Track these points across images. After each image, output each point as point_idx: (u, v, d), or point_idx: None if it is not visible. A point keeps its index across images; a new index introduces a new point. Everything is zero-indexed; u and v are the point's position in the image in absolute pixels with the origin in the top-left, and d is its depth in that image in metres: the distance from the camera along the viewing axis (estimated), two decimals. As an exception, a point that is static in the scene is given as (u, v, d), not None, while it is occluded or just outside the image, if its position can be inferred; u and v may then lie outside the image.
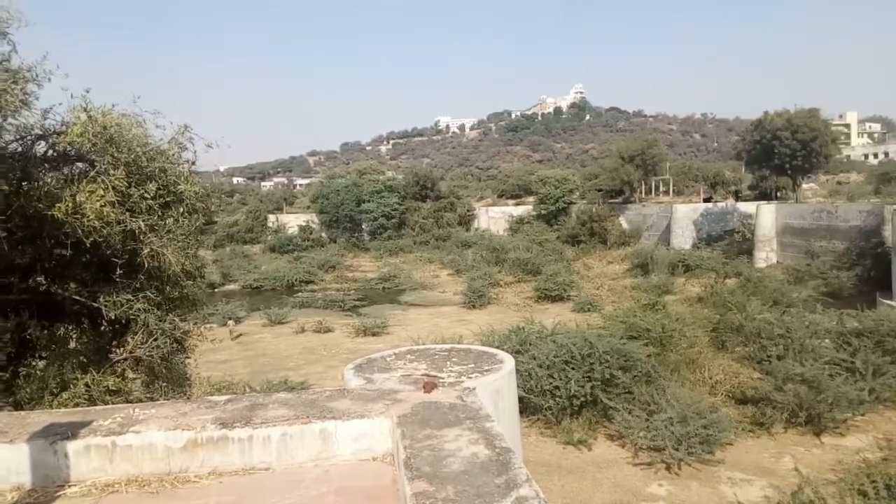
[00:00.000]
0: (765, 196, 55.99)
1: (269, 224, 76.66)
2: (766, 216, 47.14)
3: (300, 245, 69.33)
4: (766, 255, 46.51)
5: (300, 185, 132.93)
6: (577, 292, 39.42)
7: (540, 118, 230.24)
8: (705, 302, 30.86)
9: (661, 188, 67.28)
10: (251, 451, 4.09)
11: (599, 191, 69.16)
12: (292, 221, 75.97)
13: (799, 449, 15.16)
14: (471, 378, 5.06)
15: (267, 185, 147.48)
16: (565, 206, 66.71)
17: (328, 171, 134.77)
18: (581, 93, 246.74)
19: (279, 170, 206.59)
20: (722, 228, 53.64)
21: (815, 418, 15.68)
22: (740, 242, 49.62)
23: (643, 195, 67.10)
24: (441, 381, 4.96)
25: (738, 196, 59.80)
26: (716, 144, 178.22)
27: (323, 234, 73.66)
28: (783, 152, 48.72)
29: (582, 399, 16.38)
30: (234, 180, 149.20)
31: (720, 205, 56.16)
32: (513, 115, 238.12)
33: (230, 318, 35.16)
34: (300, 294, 46.64)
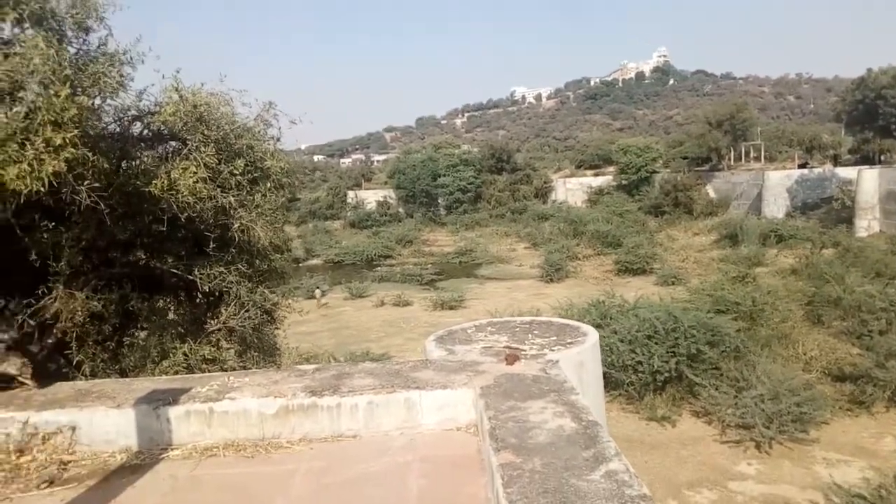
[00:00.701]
0: (867, 160, 52.16)
1: (349, 200, 78.41)
2: (869, 182, 43.92)
3: (378, 220, 70.64)
4: (867, 224, 43.47)
5: (377, 161, 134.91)
6: (661, 265, 38.34)
7: (621, 84, 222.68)
8: (800, 274, 29.37)
9: (752, 154, 63.85)
10: (339, 419, 4.20)
11: (685, 158, 66.40)
12: (370, 197, 77.39)
13: (903, 429, 14.30)
14: (553, 351, 4.98)
15: (346, 161, 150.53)
16: (648, 175, 64.54)
17: (404, 146, 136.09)
18: (665, 56, 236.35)
19: (357, 147, 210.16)
20: (818, 196, 50.47)
21: (922, 397, 14.72)
22: (839, 210, 46.57)
23: (732, 162, 63.93)
24: (523, 353, 4.91)
25: (836, 161, 55.97)
26: (812, 106, 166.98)
27: (400, 210, 74.67)
28: (889, 112, 45.28)
29: (666, 374, 16.02)
30: (315, 158, 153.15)
31: (817, 171, 52.77)
32: (591, 83, 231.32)
33: (317, 288, 36.79)
34: (379, 268, 47.66)
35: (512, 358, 4.68)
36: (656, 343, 16.29)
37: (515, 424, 3.53)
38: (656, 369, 15.94)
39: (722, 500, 11.99)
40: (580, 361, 4.92)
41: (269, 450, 4.07)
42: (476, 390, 4.16)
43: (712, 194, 59.43)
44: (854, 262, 28.73)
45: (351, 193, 79.66)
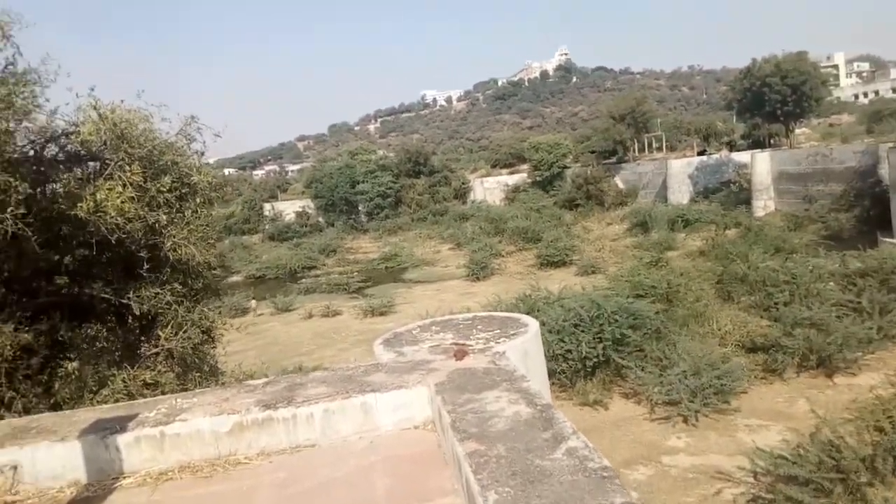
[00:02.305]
0: (758, 144, 55.91)
1: (266, 213, 76.52)
2: (762, 164, 47.13)
3: (298, 231, 69.35)
4: (764, 204, 46.60)
5: (292, 171, 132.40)
6: (579, 256, 39.61)
7: (527, 84, 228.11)
8: (708, 255, 31.07)
9: (655, 145, 67.07)
10: (296, 429, 4.19)
11: (592, 153, 68.97)
12: (288, 208, 75.84)
13: (812, 392, 15.38)
14: (499, 343, 5.14)
15: (259, 173, 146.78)
16: (560, 170, 66.56)
17: (318, 154, 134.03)
18: (566, 54, 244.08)
19: (269, 157, 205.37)
20: (718, 180, 53.65)
21: (826, 360, 15.90)
22: (737, 193, 49.70)
23: (637, 153, 66.93)
24: (470, 348, 5.04)
25: (731, 147, 59.67)
26: (705, 96, 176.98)
27: (320, 219, 73.57)
28: (774, 98, 48.59)
29: (594, 360, 16.55)
30: (226, 171, 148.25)
31: (714, 157, 56.08)
32: (499, 83, 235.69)
33: (252, 299, 37.72)
34: (304, 280, 46.82)
35: (461, 353, 4.80)
36: (583, 331, 16.80)
37: (474, 416, 3.65)
38: (585, 356, 16.44)
39: (657, 475, 12.55)
40: (525, 350, 5.10)
41: (227, 467, 4.01)
42: (431, 388, 4.25)
43: (621, 185, 62.03)
44: (755, 240, 30.72)
45: (267, 206, 77.74)
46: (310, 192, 76.38)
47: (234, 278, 51.84)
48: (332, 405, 4.25)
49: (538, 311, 19.74)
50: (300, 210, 74.59)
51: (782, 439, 12.72)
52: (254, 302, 37.41)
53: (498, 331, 5.56)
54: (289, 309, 35.80)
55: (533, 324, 5.58)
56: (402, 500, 3.50)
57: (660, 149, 65.64)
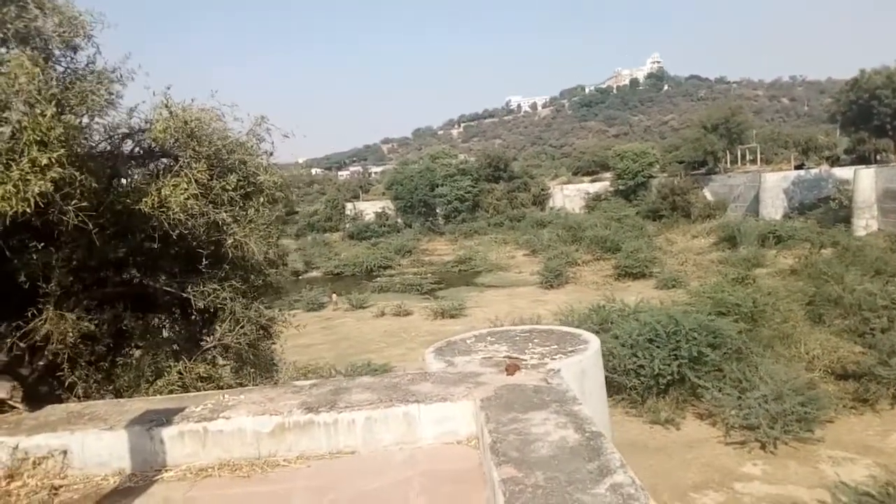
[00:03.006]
0: (863, 160, 52.26)
1: (347, 212, 78.36)
2: (865, 181, 43.95)
3: (377, 231, 70.59)
4: (865, 223, 43.45)
5: (375, 172, 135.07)
6: (660, 268, 38.28)
7: (615, 91, 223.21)
8: (799, 274, 29.32)
9: (748, 157, 63.96)
10: (337, 435, 4.12)
11: (681, 163, 66.52)
12: (368, 209, 77.37)
13: (908, 427, 14.20)
14: (554, 359, 4.90)
15: (343, 174, 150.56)
16: (645, 180, 64.61)
17: (401, 157, 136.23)
18: (658, 62, 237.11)
19: (354, 159, 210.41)
20: (816, 196, 50.50)
21: (927, 394, 14.63)
22: (836, 210, 46.58)
23: (728, 165, 64.00)
24: (524, 363, 4.84)
25: (832, 161, 56.05)
26: (807, 108, 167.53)
27: (398, 220, 74.63)
28: (883, 112, 45.38)
29: (668, 378, 15.93)
30: (313, 171, 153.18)
31: (813, 171, 52.82)
32: (586, 90, 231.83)
33: (333, 292, 39.84)
34: (379, 279, 47.54)
35: (512, 368, 4.60)
36: (658, 346, 16.21)
37: (517, 437, 3.45)
38: (658, 372, 15.85)
39: (728, 502, 11.88)
40: (582, 370, 4.84)
41: (266, 469, 3.99)
42: (476, 402, 4.08)
43: (709, 197, 59.46)
44: (853, 261, 28.67)
45: (349, 205, 79.63)
46: (390, 193, 77.66)
47: (314, 273, 53.38)
48: (375, 413, 4.15)
49: (611, 323, 19.20)
50: (380, 210, 75.95)
51: (869, 475, 11.82)
52: (334, 296, 39.11)
53: (555, 346, 5.32)
54: (363, 306, 36.43)
55: (594, 341, 5.30)
56: (435, 521, 3.34)
57: (754, 161, 62.54)
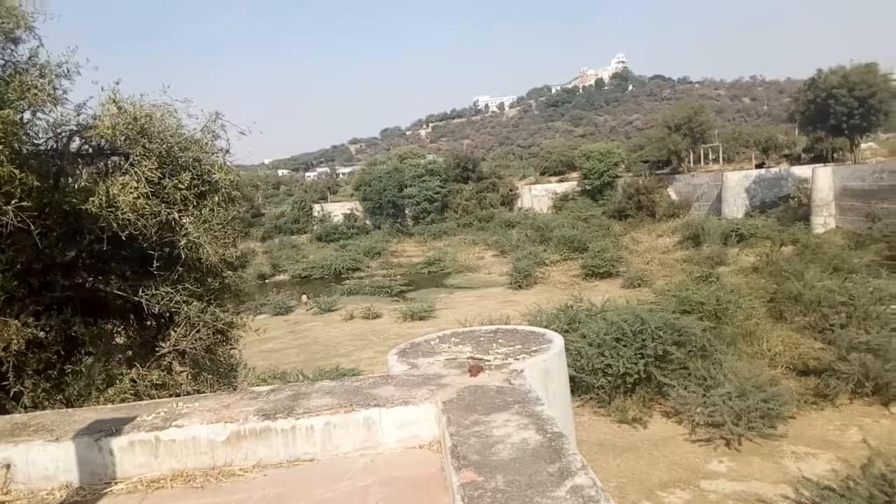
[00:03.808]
0: (820, 159, 53.65)
1: (315, 214, 77.63)
2: (823, 179, 45.14)
3: (345, 233, 70.08)
4: (824, 220, 44.62)
5: (343, 173, 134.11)
6: (626, 268, 38.72)
7: (581, 91, 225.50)
8: (761, 272, 29.86)
9: (711, 156, 65.15)
10: (295, 442, 3.99)
11: (646, 162, 67.47)
12: (337, 210, 76.76)
13: (866, 420, 14.54)
14: (518, 360, 4.84)
15: (311, 175, 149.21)
16: (610, 179, 65.35)
17: (369, 158, 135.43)
18: (623, 62, 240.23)
19: (322, 160, 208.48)
20: (776, 195, 51.68)
21: (883, 387, 15.02)
22: (796, 208, 47.74)
23: (692, 164, 65.14)
24: (487, 363, 4.76)
25: (792, 160, 57.43)
26: (766, 108, 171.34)
27: (367, 222, 74.21)
28: (839, 111, 46.57)
29: (635, 376, 16.04)
30: (279, 172, 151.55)
31: (773, 170, 54.06)
32: (553, 90, 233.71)
33: (304, 293, 40.35)
34: (348, 281, 47.18)
35: (475, 369, 4.52)
36: (624, 345, 16.31)
37: (478, 440, 3.37)
38: (625, 371, 15.95)
39: (695, 500, 11.98)
40: (546, 369, 4.78)
41: (221, 478, 3.83)
42: (438, 405, 3.99)
43: (674, 196, 60.41)
44: (813, 259, 29.34)
45: (317, 207, 78.88)
46: (358, 194, 77.17)
47: (281, 277, 52.71)
48: (334, 419, 4.03)
49: (579, 322, 19.28)
50: (348, 212, 75.43)
51: (831, 469, 12.04)
52: (304, 297, 39.25)
53: (520, 346, 5.26)
54: (331, 309, 36.08)
55: (558, 340, 5.25)
56: (394, 529, 3.24)
57: (716, 160, 63.72)
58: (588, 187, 66.88)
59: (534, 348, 5.14)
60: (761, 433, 13.91)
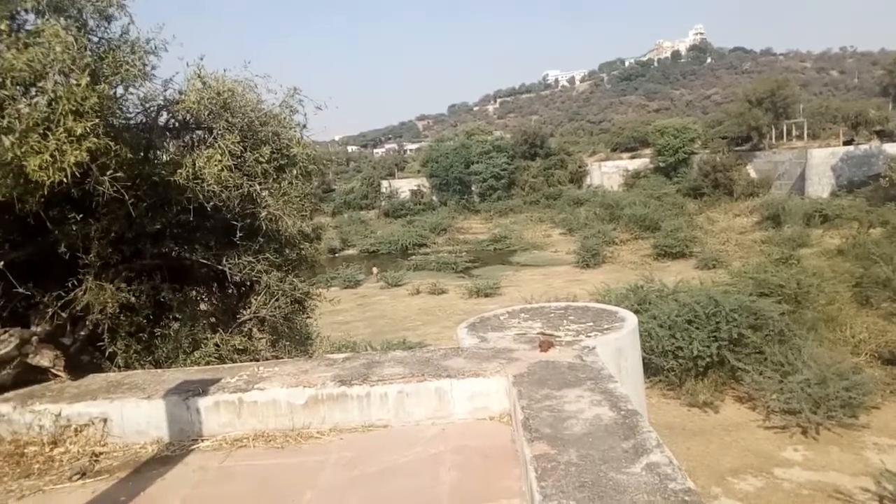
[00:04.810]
0: (917, 135, 50.10)
1: (383, 190, 78.61)
2: (920, 157, 42.17)
3: (412, 209, 70.71)
4: (918, 202, 41.75)
5: (410, 150, 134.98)
6: (701, 248, 37.51)
7: (656, 64, 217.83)
8: (846, 254, 28.37)
9: (794, 132, 61.82)
10: (370, 408, 4.11)
11: (724, 139, 64.67)
12: (404, 186, 77.45)
13: (961, 414, 13.68)
14: (589, 337, 4.80)
15: (379, 151, 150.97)
16: (686, 156, 63.08)
17: (437, 134, 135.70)
18: (701, 33, 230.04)
19: (390, 136, 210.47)
20: (865, 174, 48.66)
21: (982, 381, 14.05)
22: (887, 188, 44.78)
23: (773, 141, 61.99)
24: (558, 339, 4.74)
25: (883, 137, 53.80)
26: (857, 81, 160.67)
27: (433, 198, 74.57)
28: (941, 84, 43.18)
29: (707, 360, 15.62)
30: (349, 149, 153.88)
31: (863, 147, 50.84)
32: (626, 63, 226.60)
33: (374, 266, 41.32)
34: (414, 257, 47.72)
35: (546, 345, 4.52)
36: (697, 328, 15.88)
37: (550, 414, 3.38)
38: (697, 354, 15.55)
39: (768, 487, 11.63)
40: (618, 348, 4.73)
41: (299, 440, 4.01)
42: (509, 378, 4.02)
43: (753, 174, 57.80)
44: (904, 242, 27.61)
45: (385, 183, 79.83)
46: (425, 170, 77.55)
47: (350, 251, 53.85)
48: (407, 387, 4.13)
49: (650, 303, 18.86)
50: (415, 188, 75.98)
51: (918, 464, 11.41)
52: (375, 269, 40.05)
53: (591, 323, 5.21)
54: (398, 284, 36.63)
55: (631, 318, 5.17)
56: (466, 498, 3.30)
57: (800, 137, 60.45)
58: (662, 164, 64.84)
59: (606, 326, 5.08)
60: (841, 422, 13.33)
